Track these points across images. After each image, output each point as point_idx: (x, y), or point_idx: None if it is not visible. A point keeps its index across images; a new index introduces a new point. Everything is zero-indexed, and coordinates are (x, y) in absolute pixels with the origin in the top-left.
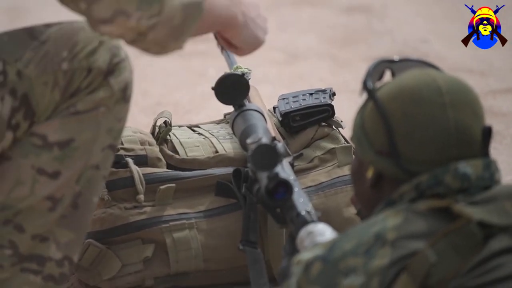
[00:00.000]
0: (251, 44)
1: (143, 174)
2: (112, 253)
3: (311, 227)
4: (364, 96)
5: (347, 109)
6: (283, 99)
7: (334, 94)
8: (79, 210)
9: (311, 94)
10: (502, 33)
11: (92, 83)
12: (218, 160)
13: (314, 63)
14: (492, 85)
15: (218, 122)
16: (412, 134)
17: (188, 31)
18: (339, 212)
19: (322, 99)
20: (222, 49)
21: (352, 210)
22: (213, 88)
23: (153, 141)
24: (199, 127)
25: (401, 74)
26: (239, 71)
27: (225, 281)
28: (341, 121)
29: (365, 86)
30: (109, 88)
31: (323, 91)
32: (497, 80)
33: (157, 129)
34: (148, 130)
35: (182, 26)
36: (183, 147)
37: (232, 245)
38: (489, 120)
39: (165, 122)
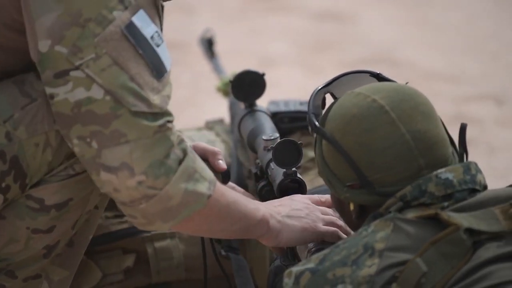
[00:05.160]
0: (301, 238)
1: None
2: (92, 263)
3: None
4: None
5: None
6: (273, 103)
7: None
8: (74, 247)
9: (301, 103)
10: (470, 39)
11: None
12: None
13: (287, 69)
14: (464, 91)
15: (199, 129)
16: (376, 161)
17: (179, 218)
18: None
19: None
20: (211, 58)
21: None
22: (231, 81)
23: None
24: (181, 133)
25: (340, 99)
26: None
27: None
28: None
29: (314, 127)
30: None
31: None
32: (469, 86)
33: None
34: None
35: (176, 210)
36: None
37: (213, 254)
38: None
39: None
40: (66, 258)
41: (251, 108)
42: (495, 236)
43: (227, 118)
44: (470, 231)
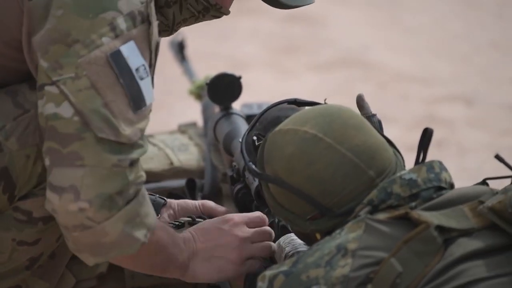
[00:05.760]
0: (221, 277)
1: None
2: (65, 269)
3: (282, 239)
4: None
5: None
6: (247, 106)
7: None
8: (55, 259)
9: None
10: (440, 40)
11: None
12: (173, 172)
13: (257, 72)
14: (435, 92)
15: (172, 133)
16: (328, 188)
17: (107, 257)
18: None
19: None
20: (182, 61)
21: None
22: (207, 84)
23: None
24: (153, 137)
25: (270, 139)
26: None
27: None
28: None
29: (257, 174)
30: None
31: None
32: (440, 87)
33: None
34: None
35: (108, 248)
36: None
37: None
38: (433, 128)
39: None
40: (47, 270)
41: (226, 111)
42: (464, 233)
43: (199, 121)
44: (440, 229)
